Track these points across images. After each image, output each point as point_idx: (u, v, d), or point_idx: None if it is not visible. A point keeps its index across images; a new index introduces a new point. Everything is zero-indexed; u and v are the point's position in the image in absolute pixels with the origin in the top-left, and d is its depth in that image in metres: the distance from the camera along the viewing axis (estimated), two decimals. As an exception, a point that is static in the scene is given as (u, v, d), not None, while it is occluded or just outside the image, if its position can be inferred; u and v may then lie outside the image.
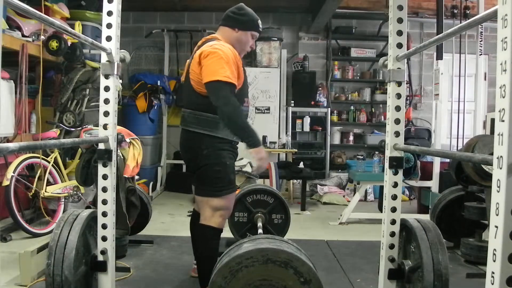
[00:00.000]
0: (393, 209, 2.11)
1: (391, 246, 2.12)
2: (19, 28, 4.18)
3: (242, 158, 4.57)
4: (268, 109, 6.25)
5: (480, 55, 5.23)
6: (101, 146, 2.08)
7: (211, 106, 2.37)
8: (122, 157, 3.31)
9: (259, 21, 2.63)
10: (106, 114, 2.07)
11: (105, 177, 2.08)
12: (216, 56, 2.36)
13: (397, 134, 2.10)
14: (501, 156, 1.04)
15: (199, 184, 2.55)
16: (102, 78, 2.08)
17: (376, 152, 6.25)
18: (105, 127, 2.08)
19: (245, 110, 2.58)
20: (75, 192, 4.15)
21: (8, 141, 3.97)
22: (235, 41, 2.55)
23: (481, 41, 5.23)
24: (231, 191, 2.51)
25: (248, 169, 4.70)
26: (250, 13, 2.60)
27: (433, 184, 4.94)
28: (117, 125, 2.22)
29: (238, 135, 2.43)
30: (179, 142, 2.65)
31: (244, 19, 2.56)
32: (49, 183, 4.06)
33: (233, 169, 2.54)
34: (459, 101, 5.44)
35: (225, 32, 2.57)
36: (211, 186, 2.47)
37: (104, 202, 2.08)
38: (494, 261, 1.05)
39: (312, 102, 6.73)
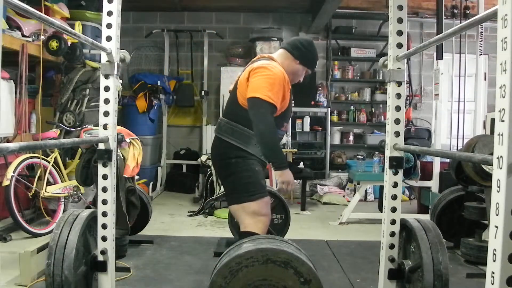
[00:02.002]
0: (393, 209, 2.10)
1: (391, 246, 2.11)
2: (19, 28, 4.18)
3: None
4: (268, 109, 6.24)
5: (480, 55, 5.23)
6: (101, 146, 2.08)
7: (249, 121, 2.40)
8: (122, 157, 3.31)
9: (317, 61, 2.72)
10: (106, 114, 2.07)
11: (105, 177, 2.08)
12: (264, 74, 2.39)
13: (397, 134, 2.10)
14: (501, 156, 1.04)
15: (231, 193, 2.52)
16: (102, 78, 2.08)
17: (376, 152, 6.25)
18: (105, 127, 2.08)
19: (280, 133, 2.59)
20: (75, 192, 4.14)
21: (8, 141, 3.97)
22: (291, 70, 2.58)
23: (481, 41, 5.23)
24: (264, 194, 2.46)
25: None
26: (315, 52, 2.68)
27: (433, 184, 4.94)
28: (117, 125, 2.22)
29: (266, 154, 2.43)
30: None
31: (309, 55, 2.61)
32: (49, 183, 4.06)
33: (263, 176, 2.50)
34: (459, 101, 5.43)
35: (286, 58, 2.59)
36: (243, 192, 2.43)
37: (104, 202, 2.08)
38: (494, 261, 1.05)
39: (312, 102, 6.73)
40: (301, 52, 2.58)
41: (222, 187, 4.96)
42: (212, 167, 4.89)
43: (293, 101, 2.71)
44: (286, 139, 6.29)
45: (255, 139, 2.42)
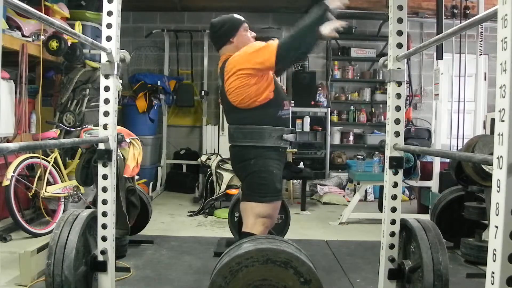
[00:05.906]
0: (393, 209, 2.11)
1: (391, 246, 2.12)
2: (19, 28, 4.18)
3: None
4: (268, 109, 6.24)
5: (480, 55, 5.23)
6: (101, 146, 2.08)
7: (254, 118, 2.44)
8: (122, 157, 3.31)
9: (235, 15, 2.66)
10: (106, 114, 2.08)
11: (105, 177, 2.08)
12: (237, 60, 2.45)
13: (397, 134, 2.10)
14: (501, 156, 1.04)
15: (245, 190, 2.54)
16: (102, 78, 2.08)
17: (376, 152, 6.26)
18: (105, 127, 2.08)
19: (285, 113, 2.58)
20: (75, 192, 4.14)
21: (8, 141, 3.97)
22: (240, 47, 2.58)
23: (481, 41, 5.23)
24: (276, 198, 2.48)
25: None
26: (223, 20, 2.64)
27: (433, 184, 4.93)
28: (117, 125, 2.22)
29: (311, 29, 2.34)
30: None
31: (224, 29, 2.61)
32: (49, 183, 4.06)
33: (280, 179, 2.51)
34: (459, 101, 5.43)
35: (227, 49, 2.63)
36: (256, 192, 2.45)
37: (104, 202, 2.08)
38: (494, 261, 1.05)
39: (312, 102, 6.73)
40: (218, 37, 2.65)
41: (221, 187, 4.97)
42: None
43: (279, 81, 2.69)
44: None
45: (268, 131, 2.44)
